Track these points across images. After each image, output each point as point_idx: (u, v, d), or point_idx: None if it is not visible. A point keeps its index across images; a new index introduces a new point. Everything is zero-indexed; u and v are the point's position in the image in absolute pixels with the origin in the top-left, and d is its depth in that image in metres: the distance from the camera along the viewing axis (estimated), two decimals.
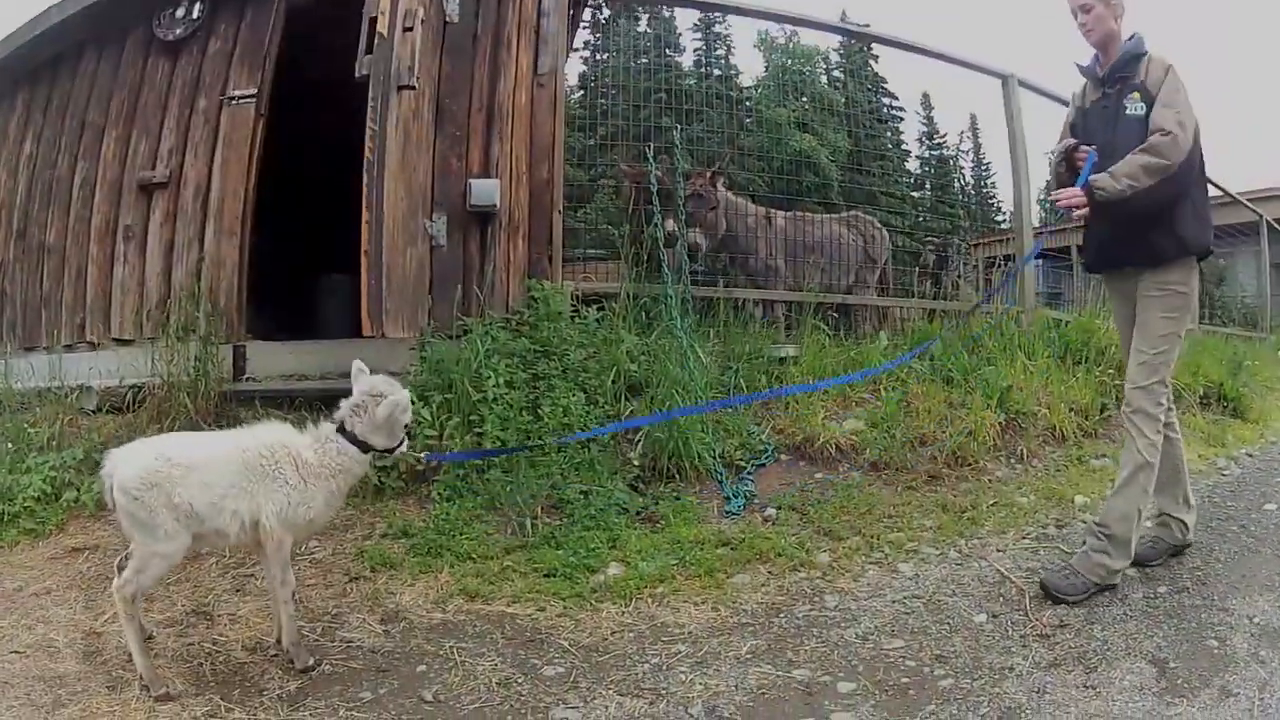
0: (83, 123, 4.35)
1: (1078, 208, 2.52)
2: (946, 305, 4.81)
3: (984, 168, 21.37)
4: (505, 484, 2.99)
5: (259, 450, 2.10)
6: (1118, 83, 2.58)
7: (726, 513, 3.08)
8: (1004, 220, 9.12)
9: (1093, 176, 2.50)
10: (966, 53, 4.96)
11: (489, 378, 3.12)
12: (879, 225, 5.30)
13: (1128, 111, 2.53)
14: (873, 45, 7.82)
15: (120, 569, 2.13)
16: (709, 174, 4.27)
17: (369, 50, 2.99)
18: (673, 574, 2.64)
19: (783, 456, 3.45)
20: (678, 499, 3.10)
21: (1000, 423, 3.60)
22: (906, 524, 2.97)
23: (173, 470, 1.99)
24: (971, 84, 4.94)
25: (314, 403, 3.44)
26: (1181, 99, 2.48)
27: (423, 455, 2.82)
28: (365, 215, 2.88)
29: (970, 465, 3.41)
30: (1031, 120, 4.84)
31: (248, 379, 3.69)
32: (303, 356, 3.68)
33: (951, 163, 20.11)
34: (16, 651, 2.34)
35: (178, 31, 4.14)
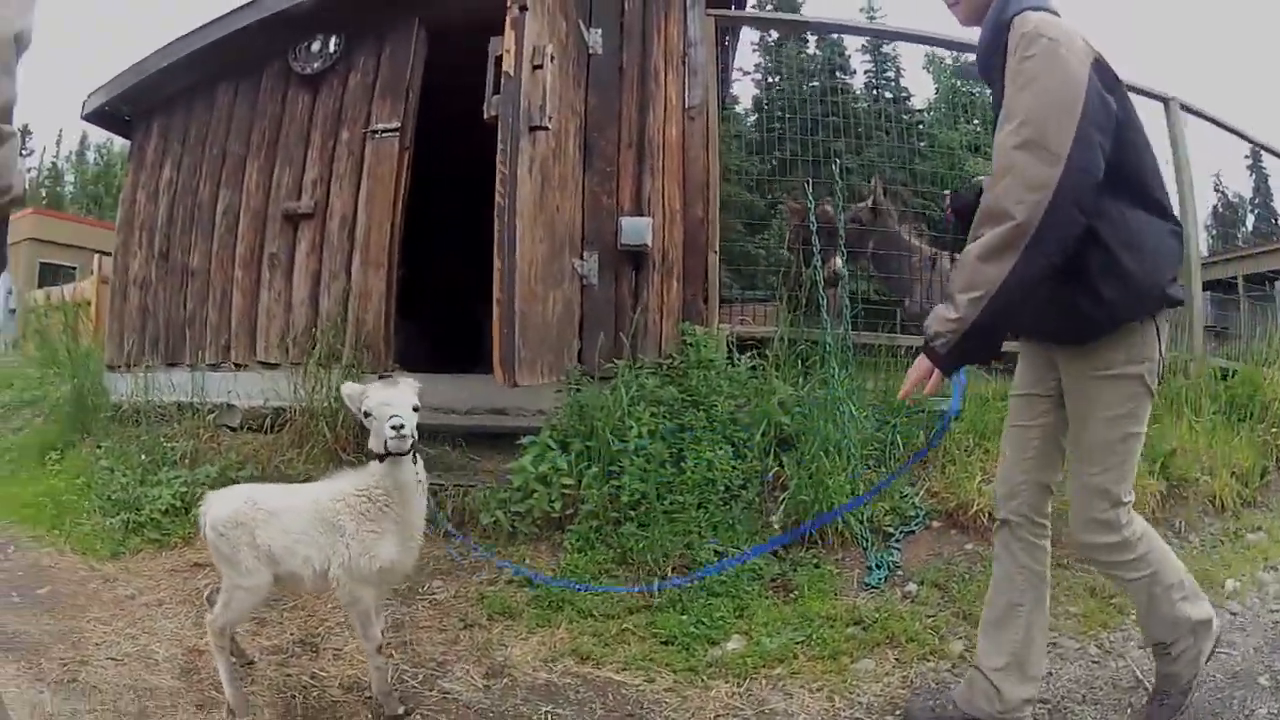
0: (223, 152, 4.81)
1: (931, 384, 1.83)
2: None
3: None
4: (639, 539, 3.06)
5: (327, 501, 2.26)
6: (991, 75, 1.87)
7: (866, 584, 3.03)
8: None
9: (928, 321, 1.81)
10: (1125, 74, 4.85)
11: (631, 427, 3.21)
12: None
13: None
14: None
15: (211, 603, 2.37)
16: (871, 199, 4.25)
17: (496, 90, 3.04)
18: (795, 653, 2.61)
19: (934, 524, 3.37)
20: (816, 567, 3.08)
21: (1161, 491, 3.41)
22: (1050, 610, 2.86)
23: (257, 513, 2.25)
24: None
25: (458, 438, 3.65)
26: (1034, 90, 1.65)
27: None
28: (497, 262, 2.93)
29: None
30: (1194, 144, 4.79)
31: None
32: (451, 390, 3.83)
33: None
34: (113, 659, 2.56)
35: (315, 65, 4.50)
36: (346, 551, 2.19)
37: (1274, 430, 3.85)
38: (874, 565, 3.09)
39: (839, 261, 3.73)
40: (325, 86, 4.50)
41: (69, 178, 37.82)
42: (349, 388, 2.26)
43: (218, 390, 4.43)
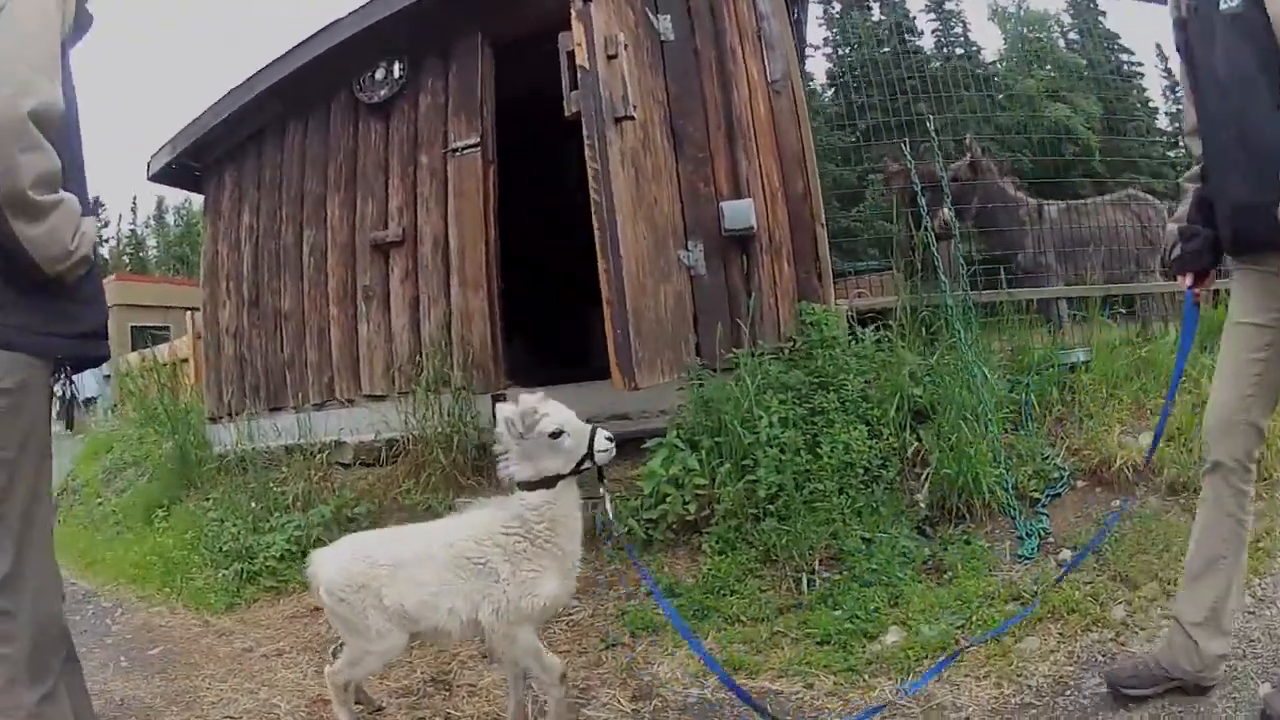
0: (301, 192, 4.95)
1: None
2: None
3: None
4: (781, 534, 3.00)
5: (469, 544, 2.07)
6: None
7: (1018, 556, 2.95)
8: None
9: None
10: None
11: (761, 417, 3.17)
12: (1155, 203, 5.02)
13: (1221, 6, 1.73)
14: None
15: (335, 655, 2.27)
16: (970, 155, 4.19)
17: (574, 86, 3.01)
18: (956, 639, 2.53)
19: (1078, 483, 3.27)
20: (967, 543, 3.01)
21: None
22: None
23: (379, 570, 2.06)
24: None
25: None
26: None
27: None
28: (602, 263, 2.83)
29: (1266, 479, 2.98)
30: None
31: None
32: (569, 400, 3.79)
33: None
34: (231, 717, 2.52)
35: (382, 93, 4.59)
36: (503, 596, 2.02)
37: None
38: (1024, 535, 3.03)
39: (947, 212, 3.66)
40: (396, 113, 4.59)
41: (151, 242, 39.46)
42: (509, 409, 2.06)
43: (324, 429, 4.56)
